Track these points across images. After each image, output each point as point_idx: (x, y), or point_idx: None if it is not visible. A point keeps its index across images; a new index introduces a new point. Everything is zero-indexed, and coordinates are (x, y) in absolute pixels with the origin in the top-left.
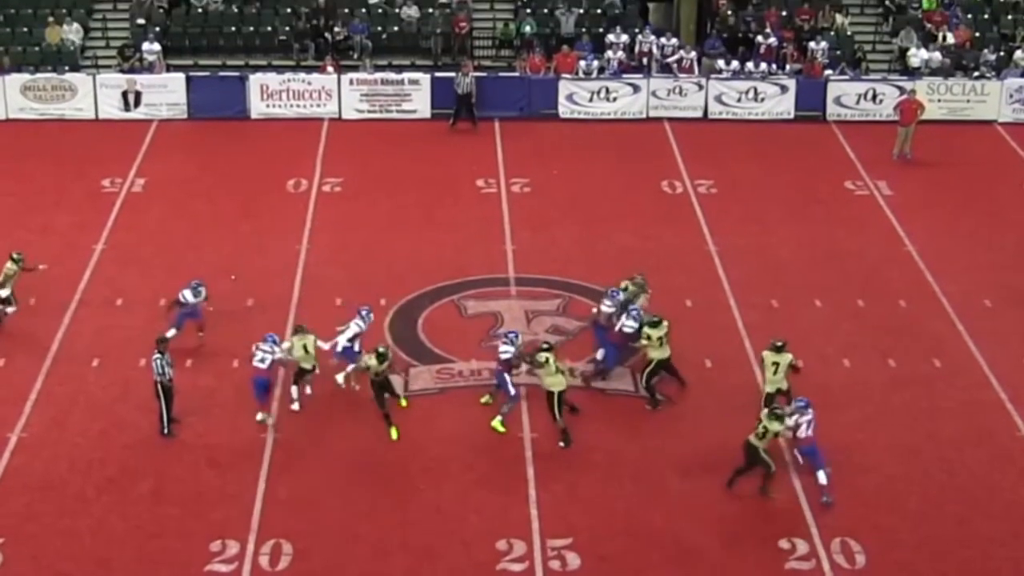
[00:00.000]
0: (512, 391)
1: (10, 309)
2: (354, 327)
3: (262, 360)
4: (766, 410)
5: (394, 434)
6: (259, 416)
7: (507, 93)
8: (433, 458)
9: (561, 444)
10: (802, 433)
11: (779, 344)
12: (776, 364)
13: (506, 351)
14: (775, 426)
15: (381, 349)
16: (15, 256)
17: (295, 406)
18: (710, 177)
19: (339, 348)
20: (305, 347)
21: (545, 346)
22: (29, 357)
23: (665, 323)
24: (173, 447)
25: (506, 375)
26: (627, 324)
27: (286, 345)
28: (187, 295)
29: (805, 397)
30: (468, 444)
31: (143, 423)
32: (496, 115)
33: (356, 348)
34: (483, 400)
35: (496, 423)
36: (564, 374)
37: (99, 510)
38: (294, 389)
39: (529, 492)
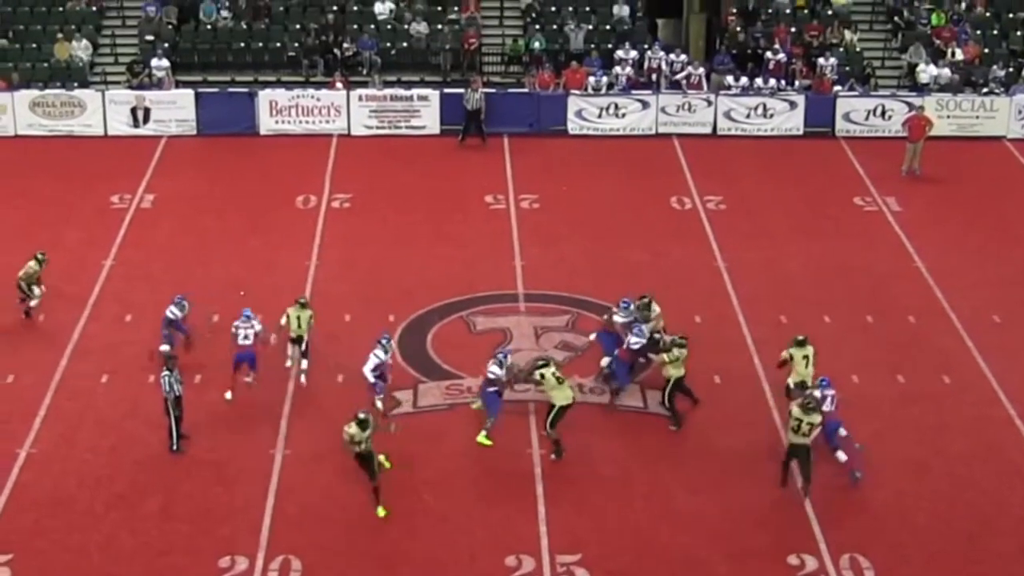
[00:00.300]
0: (493, 408)
1: (33, 303)
2: (374, 358)
3: (246, 337)
4: (797, 408)
5: (381, 512)
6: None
7: (516, 109)
8: (442, 474)
9: (553, 456)
10: (826, 407)
11: (801, 338)
12: (806, 357)
13: (494, 372)
14: (816, 417)
15: (361, 415)
16: (39, 256)
17: (288, 363)
18: (719, 193)
19: (371, 380)
20: (299, 319)
21: (541, 362)
22: (38, 373)
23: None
24: (182, 463)
25: (489, 390)
26: (633, 341)
27: (283, 320)
28: (174, 311)
29: (825, 376)
30: (477, 460)
31: (152, 439)
32: (505, 131)
33: (379, 376)
34: (475, 406)
35: (481, 437)
36: (573, 389)
37: (108, 526)
38: (290, 347)
39: (538, 508)
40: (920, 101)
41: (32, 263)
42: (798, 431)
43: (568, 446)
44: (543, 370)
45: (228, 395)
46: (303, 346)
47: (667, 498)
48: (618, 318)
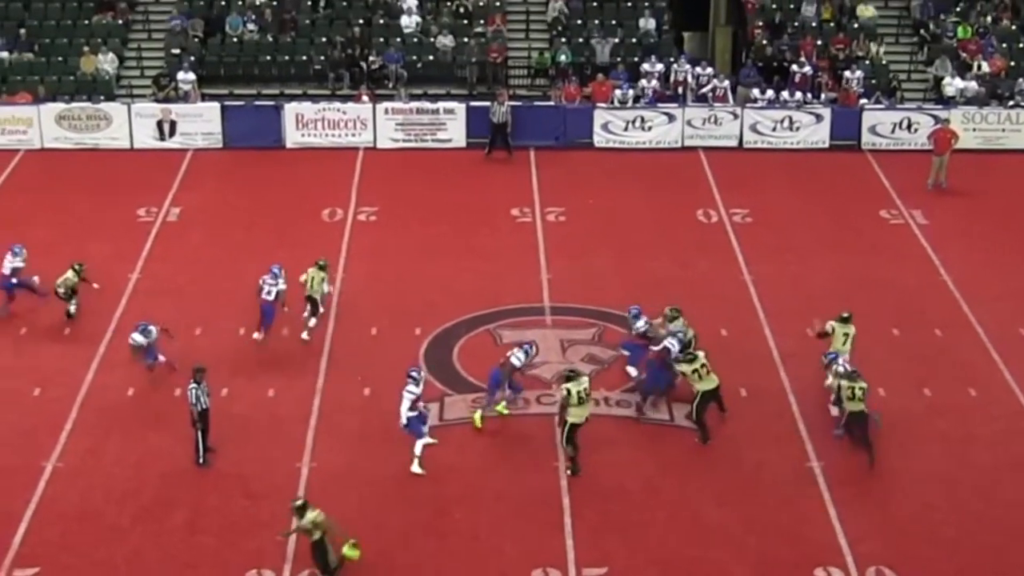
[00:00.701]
0: (496, 397)
1: (72, 308)
2: (408, 395)
3: (268, 292)
4: (846, 381)
5: None
6: (255, 335)
7: (542, 122)
8: (469, 486)
9: (568, 472)
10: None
11: (846, 316)
12: (847, 335)
13: (518, 358)
14: (863, 383)
15: (299, 503)
16: (76, 267)
17: (311, 323)
18: (745, 206)
19: (403, 421)
20: (312, 280)
21: (570, 373)
22: (65, 386)
23: (701, 356)
24: (208, 476)
25: (501, 378)
26: (671, 343)
27: (302, 278)
28: (136, 338)
29: (832, 352)
30: (504, 473)
31: (178, 452)
32: (531, 144)
33: (418, 412)
34: (478, 416)
35: (476, 417)
36: (599, 403)
37: (134, 540)
38: (311, 319)
39: (564, 521)
40: (946, 114)
41: (69, 273)
42: (854, 398)
43: (594, 460)
44: (569, 385)
45: (256, 335)
46: (317, 307)
47: (693, 511)
48: (639, 325)
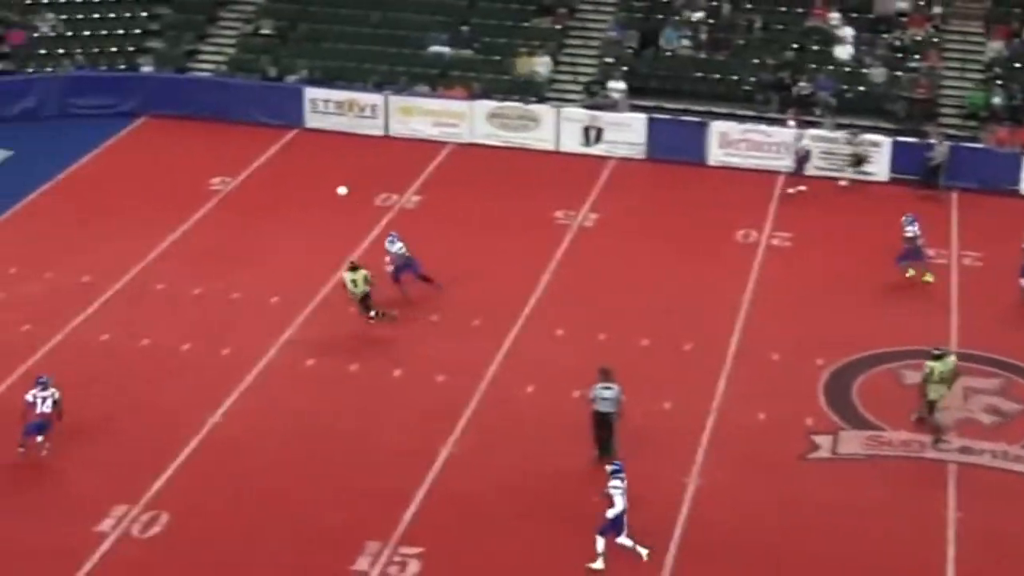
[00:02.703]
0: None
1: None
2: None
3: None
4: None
5: None
6: None
7: (969, 164)
8: (856, 526)
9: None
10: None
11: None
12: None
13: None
14: None
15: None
16: (353, 264)
17: None
18: None
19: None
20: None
21: (937, 352)
22: (467, 376)
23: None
24: (600, 482)
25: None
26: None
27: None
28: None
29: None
30: (892, 514)
31: (572, 454)
32: (955, 185)
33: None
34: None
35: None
36: (995, 455)
37: (521, 537)
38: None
39: (947, 569)
40: None
41: (347, 274)
42: None
43: (983, 508)
44: (933, 364)
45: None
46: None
47: None
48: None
